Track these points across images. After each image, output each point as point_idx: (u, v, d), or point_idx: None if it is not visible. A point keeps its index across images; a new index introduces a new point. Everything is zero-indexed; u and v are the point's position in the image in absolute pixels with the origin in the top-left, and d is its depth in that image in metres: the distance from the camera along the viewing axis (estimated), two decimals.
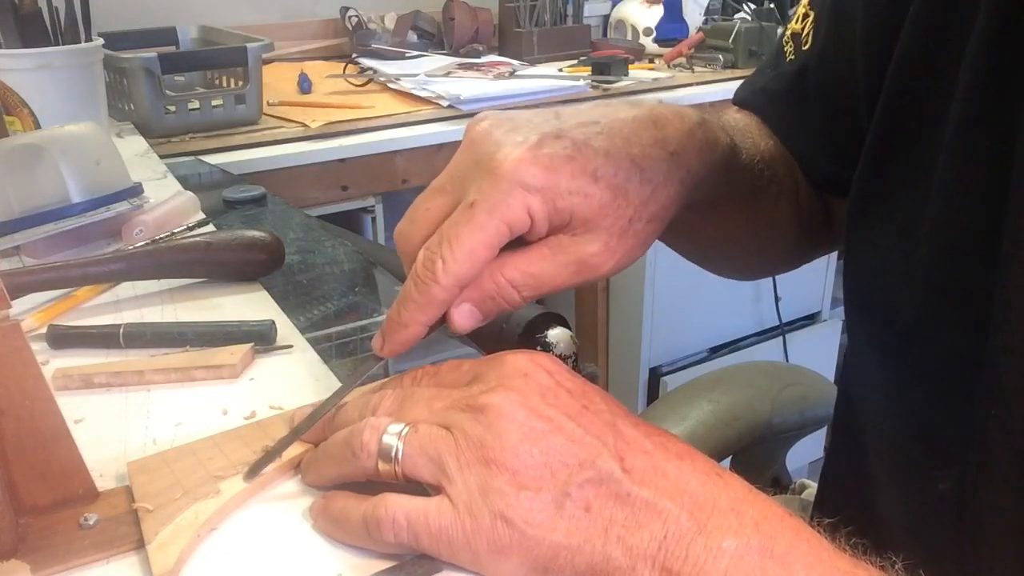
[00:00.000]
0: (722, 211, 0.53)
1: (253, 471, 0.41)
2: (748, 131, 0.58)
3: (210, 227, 0.80)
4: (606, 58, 1.67)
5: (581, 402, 0.37)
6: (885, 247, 0.46)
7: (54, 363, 0.54)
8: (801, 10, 0.58)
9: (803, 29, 0.57)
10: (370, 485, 0.38)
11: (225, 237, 0.66)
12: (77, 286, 0.63)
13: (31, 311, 0.61)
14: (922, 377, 0.45)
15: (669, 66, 1.78)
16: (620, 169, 0.40)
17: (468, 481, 0.34)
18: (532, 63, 1.76)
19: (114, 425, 0.48)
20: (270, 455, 0.42)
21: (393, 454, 0.36)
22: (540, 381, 0.37)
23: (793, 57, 0.58)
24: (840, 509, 0.45)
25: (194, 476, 0.41)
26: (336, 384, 0.53)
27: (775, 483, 0.87)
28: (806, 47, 0.56)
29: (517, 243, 0.40)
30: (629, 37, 1.96)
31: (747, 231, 0.57)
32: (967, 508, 0.42)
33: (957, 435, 0.42)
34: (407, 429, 0.37)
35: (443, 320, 0.41)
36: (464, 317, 0.41)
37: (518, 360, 0.38)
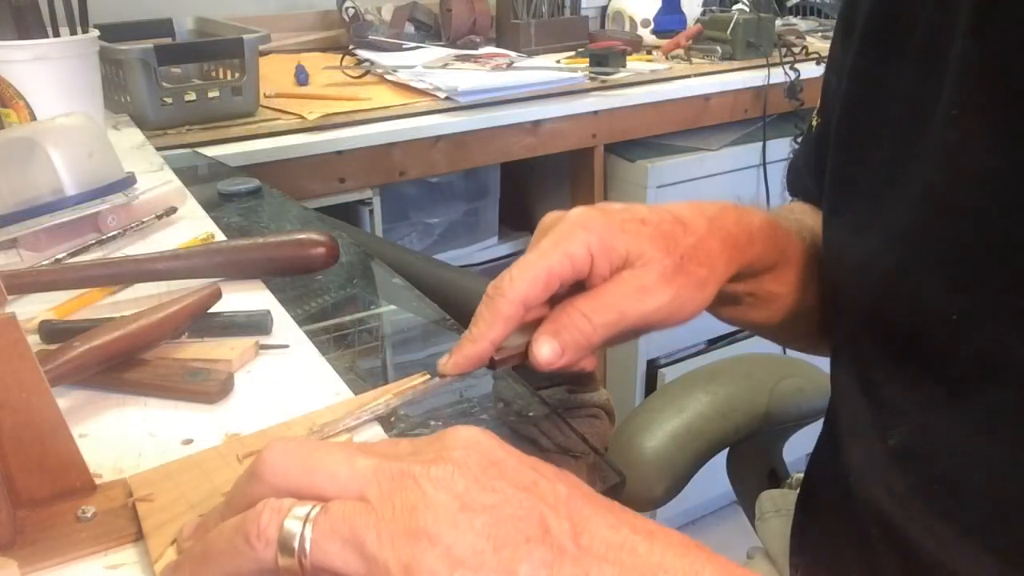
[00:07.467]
0: (782, 278, 0.56)
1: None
2: (792, 211, 0.64)
3: (207, 219, 0.80)
4: (604, 50, 1.66)
5: (532, 476, 0.32)
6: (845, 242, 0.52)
7: None
8: None
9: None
10: None
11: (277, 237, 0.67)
12: (131, 283, 0.64)
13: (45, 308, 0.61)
14: (879, 353, 0.49)
15: (667, 57, 1.77)
16: (664, 220, 0.47)
17: (390, 560, 0.29)
18: (530, 55, 1.76)
19: (113, 437, 0.48)
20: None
21: (297, 543, 0.29)
22: (485, 452, 0.32)
23: (816, 123, 0.64)
24: (815, 463, 0.61)
25: (200, 490, 0.40)
26: (335, 382, 0.52)
27: (772, 475, 0.88)
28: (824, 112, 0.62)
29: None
30: (627, 28, 1.96)
31: (815, 301, 0.60)
32: (912, 461, 0.47)
33: (903, 400, 0.48)
34: (316, 510, 0.30)
35: (523, 357, 0.45)
36: (542, 347, 0.45)
37: (461, 432, 0.33)
